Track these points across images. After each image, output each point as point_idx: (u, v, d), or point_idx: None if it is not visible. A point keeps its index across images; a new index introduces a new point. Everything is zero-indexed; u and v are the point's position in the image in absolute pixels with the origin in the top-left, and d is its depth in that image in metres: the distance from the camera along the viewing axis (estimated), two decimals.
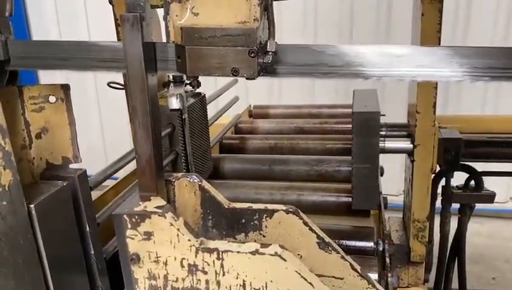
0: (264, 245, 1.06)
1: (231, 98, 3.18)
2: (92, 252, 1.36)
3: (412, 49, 1.01)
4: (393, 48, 0.98)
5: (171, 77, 2.11)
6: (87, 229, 1.33)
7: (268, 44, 0.98)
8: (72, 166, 1.36)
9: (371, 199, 1.98)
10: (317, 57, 1.00)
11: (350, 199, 2.15)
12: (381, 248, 1.75)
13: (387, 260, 1.61)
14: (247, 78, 1.01)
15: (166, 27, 1.03)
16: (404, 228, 2.21)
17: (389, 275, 1.52)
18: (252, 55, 0.97)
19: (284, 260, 1.03)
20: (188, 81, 2.17)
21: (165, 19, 1.03)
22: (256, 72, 0.98)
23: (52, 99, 1.30)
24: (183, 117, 1.99)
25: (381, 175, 2.44)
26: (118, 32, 2.02)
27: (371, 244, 1.76)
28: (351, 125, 2.44)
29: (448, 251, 2.28)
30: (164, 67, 1.10)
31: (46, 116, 1.31)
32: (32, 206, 1.13)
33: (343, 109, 3.41)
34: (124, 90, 2.18)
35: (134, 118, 1.08)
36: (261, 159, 2.58)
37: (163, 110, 2.07)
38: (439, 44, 1.77)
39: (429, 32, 1.75)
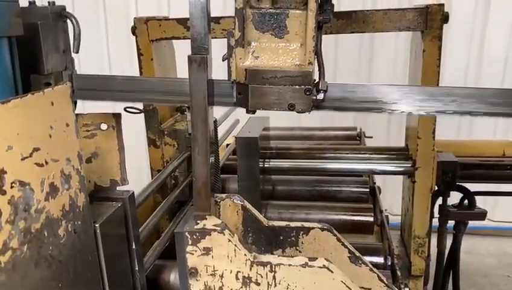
0: (311, 259, 1.19)
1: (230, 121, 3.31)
2: (136, 269, 1.46)
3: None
4: (428, 89, 1.15)
5: None
6: (134, 246, 1.44)
7: (320, 84, 1.14)
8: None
9: None
10: (361, 95, 1.16)
11: (353, 218, 2.33)
12: (389, 263, 1.92)
13: (398, 273, 1.77)
14: (299, 112, 1.17)
15: (229, 67, 1.17)
16: (403, 243, 2.38)
17: (402, 286, 1.67)
18: (308, 93, 1.12)
19: (331, 271, 1.17)
20: None
21: (226, 60, 1.18)
22: (311, 107, 1.14)
23: (103, 126, 1.41)
24: None
25: (379, 193, 2.63)
26: (140, 61, 2.14)
27: (381, 259, 1.92)
28: (344, 147, 2.63)
29: (444, 265, 2.47)
30: (219, 101, 1.24)
31: (97, 142, 1.42)
32: (97, 225, 1.23)
33: (334, 132, 3.61)
34: (141, 114, 2.30)
35: (194, 145, 1.21)
36: (264, 180, 2.72)
37: (182, 134, 2.20)
38: (438, 77, 1.97)
39: (430, 67, 1.96)
